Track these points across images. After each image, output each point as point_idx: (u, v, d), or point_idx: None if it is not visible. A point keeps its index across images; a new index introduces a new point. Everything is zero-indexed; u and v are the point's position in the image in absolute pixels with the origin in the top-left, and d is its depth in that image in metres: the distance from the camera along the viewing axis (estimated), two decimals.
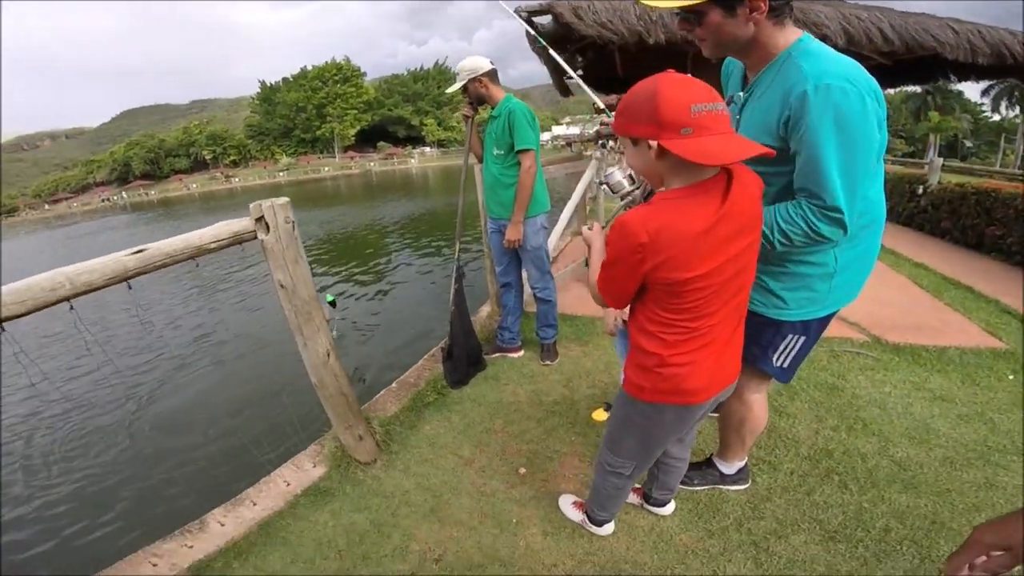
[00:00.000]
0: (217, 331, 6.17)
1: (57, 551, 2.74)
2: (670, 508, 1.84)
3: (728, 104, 1.42)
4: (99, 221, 34.47)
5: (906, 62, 4.54)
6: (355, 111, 73.80)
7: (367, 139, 78.33)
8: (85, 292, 1.53)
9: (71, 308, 1.55)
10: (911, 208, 6.70)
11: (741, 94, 1.39)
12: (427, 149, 72.90)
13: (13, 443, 3.91)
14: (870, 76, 1.18)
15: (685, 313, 1.14)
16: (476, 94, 2.63)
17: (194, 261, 1.78)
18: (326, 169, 64.42)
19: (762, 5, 1.16)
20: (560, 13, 3.57)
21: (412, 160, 67.17)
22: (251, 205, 1.79)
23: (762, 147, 1.02)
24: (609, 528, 1.79)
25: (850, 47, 3.55)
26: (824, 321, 1.50)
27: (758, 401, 1.69)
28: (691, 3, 1.18)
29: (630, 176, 1.37)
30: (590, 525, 1.80)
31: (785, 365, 1.54)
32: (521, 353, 3.18)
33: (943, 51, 3.64)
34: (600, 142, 4.75)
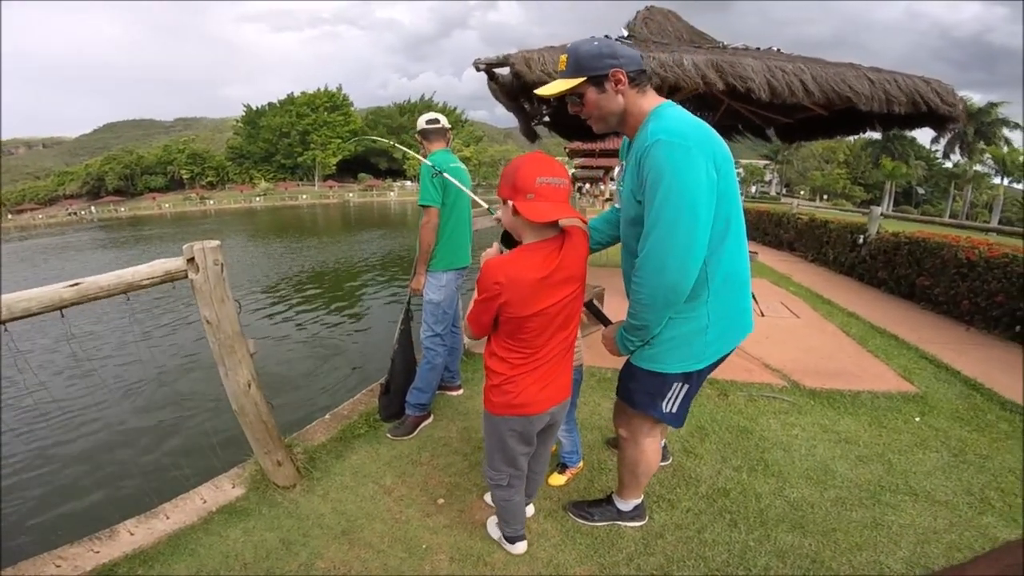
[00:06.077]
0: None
1: None
2: (529, 510, 2.07)
3: (621, 176, 1.61)
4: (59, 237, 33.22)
5: (841, 112, 4.68)
6: (339, 140, 73.38)
7: (348, 169, 77.95)
8: (22, 317, 1.66)
9: (5, 330, 1.67)
10: (852, 258, 6.85)
11: (624, 162, 1.57)
12: (408, 183, 71.94)
13: None
14: (707, 133, 1.34)
15: (525, 342, 1.50)
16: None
17: (126, 296, 1.87)
18: (304, 197, 63.64)
19: (622, 78, 1.38)
20: (513, 64, 3.79)
21: (391, 193, 66.69)
22: (184, 246, 1.90)
23: (577, 214, 1.43)
24: (521, 547, 1.89)
25: (774, 99, 3.78)
26: (706, 371, 1.61)
27: (651, 445, 1.81)
28: (571, 86, 1.42)
29: None
30: (505, 543, 1.92)
31: (674, 411, 1.64)
32: (460, 391, 3.25)
33: (858, 102, 3.84)
34: (576, 185, 4.98)
